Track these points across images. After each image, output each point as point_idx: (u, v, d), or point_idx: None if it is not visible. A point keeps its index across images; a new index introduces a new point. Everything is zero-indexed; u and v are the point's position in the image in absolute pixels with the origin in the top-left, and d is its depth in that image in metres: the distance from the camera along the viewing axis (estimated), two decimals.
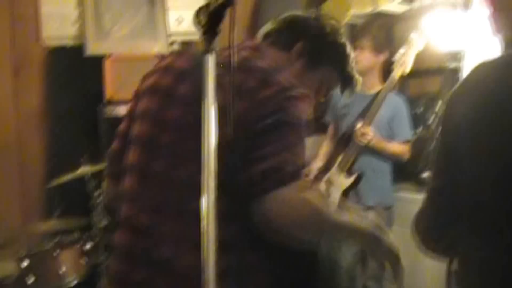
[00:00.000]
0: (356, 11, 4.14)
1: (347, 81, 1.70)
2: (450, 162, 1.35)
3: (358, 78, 1.69)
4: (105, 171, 1.75)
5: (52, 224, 3.47)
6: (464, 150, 1.31)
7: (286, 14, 1.66)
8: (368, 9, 4.04)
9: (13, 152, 3.88)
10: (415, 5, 3.92)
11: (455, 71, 2.64)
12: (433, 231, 1.44)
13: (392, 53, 3.20)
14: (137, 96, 1.58)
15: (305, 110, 1.39)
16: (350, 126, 3.28)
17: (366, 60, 3.32)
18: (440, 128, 1.38)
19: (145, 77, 1.58)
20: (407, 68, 2.98)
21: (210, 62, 1.17)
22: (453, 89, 1.40)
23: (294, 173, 1.32)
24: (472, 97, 1.32)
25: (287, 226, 1.30)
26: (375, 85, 3.37)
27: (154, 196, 1.43)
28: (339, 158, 3.24)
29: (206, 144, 1.08)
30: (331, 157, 3.36)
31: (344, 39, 1.66)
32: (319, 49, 1.62)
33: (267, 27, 1.68)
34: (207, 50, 1.18)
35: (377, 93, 3.20)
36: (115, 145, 1.66)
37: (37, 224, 3.57)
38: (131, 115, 1.57)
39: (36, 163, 3.93)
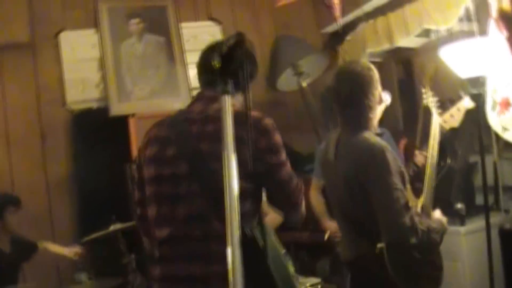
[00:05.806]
0: (373, 49, 4.15)
1: None
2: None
3: None
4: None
5: (87, 285, 3.46)
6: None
7: None
8: (385, 46, 4.05)
9: (44, 219, 3.92)
10: (432, 37, 3.92)
11: (479, 97, 2.62)
12: None
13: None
14: (140, 165, 1.85)
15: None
16: None
17: None
18: None
19: (141, 149, 1.87)
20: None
21: (227, 102, 1.18)
22: None
23: None
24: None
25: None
26: None
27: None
28: None
29: (228, 191, 1.10)
30: None
31: None
32: None
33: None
34: (224, 91, 1.20)
35: None
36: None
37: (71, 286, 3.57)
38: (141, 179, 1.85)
39: (66, 227, 3.96)
